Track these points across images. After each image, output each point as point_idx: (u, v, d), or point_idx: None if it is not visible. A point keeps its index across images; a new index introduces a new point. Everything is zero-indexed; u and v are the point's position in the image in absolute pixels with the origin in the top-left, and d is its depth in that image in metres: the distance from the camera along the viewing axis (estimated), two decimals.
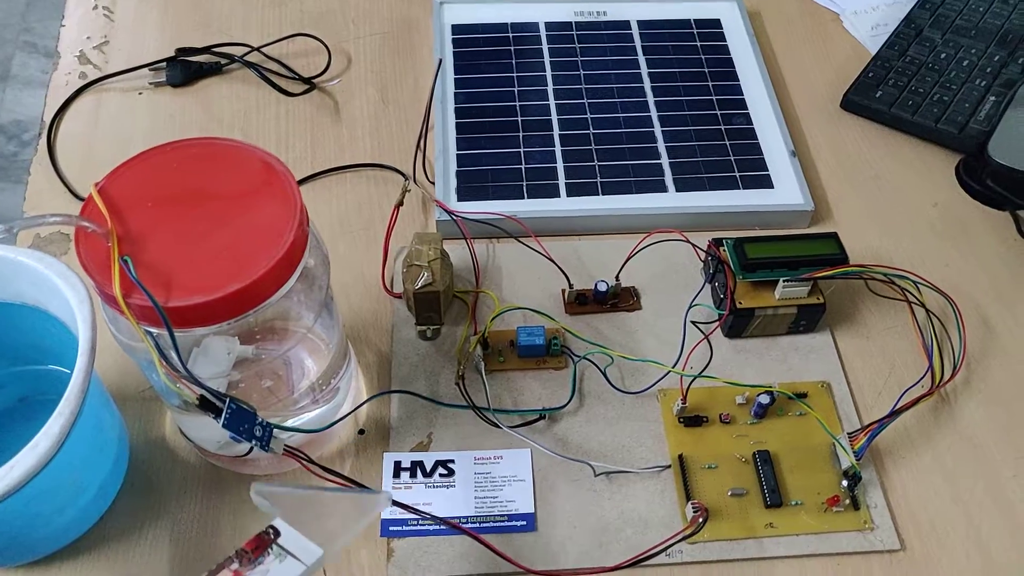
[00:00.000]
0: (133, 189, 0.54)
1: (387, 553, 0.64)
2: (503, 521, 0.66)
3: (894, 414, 0.69)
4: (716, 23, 0.99)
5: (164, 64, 0.93)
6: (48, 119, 0.89)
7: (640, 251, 0.76)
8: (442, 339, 0.75)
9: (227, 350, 0.58)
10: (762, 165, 0.86)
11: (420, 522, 0.65)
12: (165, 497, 0.66)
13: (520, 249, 0.79)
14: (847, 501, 0.67)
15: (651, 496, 0.67)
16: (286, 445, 0.58)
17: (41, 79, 1.87)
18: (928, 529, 0.67)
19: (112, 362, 0.71)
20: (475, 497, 0.67)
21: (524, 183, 0.83)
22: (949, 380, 0.74)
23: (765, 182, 0.84)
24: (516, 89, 0.91)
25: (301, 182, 0.84)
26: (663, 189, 0.83)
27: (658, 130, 0.88)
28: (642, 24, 0.98)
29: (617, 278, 0.76)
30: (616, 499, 0.67)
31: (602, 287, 0.75)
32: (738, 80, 0.93)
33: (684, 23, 0.98)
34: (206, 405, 0.52)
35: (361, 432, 0.70)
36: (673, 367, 0.71)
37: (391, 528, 0.65)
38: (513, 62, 0.93)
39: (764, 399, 0.69)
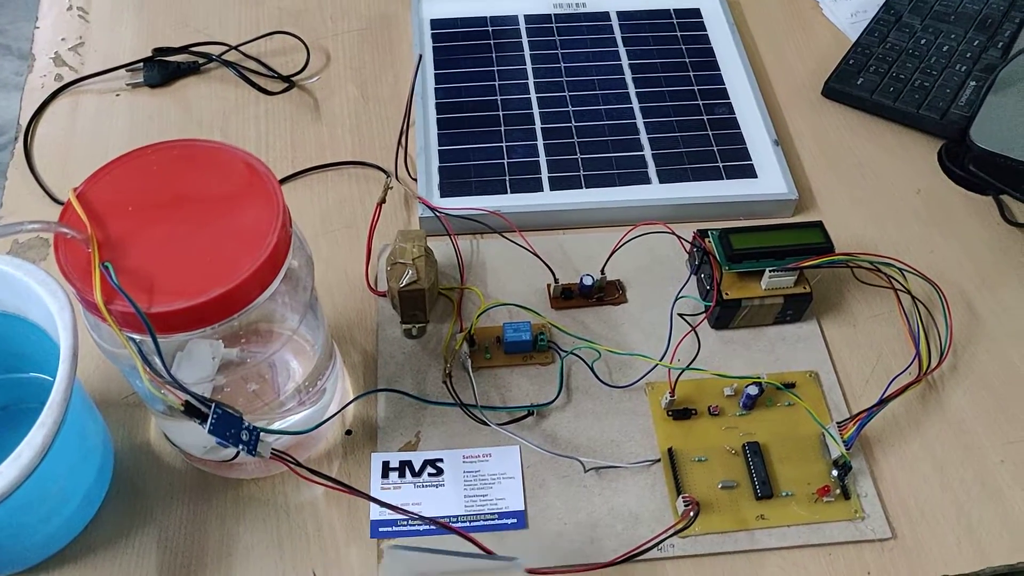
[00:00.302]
0: (113, 193, 0.53)
1: (377, 555, 0.63)
2: (493, 519, 0.65)
3: (882, 402, 0.69)
4: (696, 12, 0.98)
5: (141, 65, 0.91)
6: (24, 122, 0.87)
7: (625, 244, 0.75)
8: (428, 337, 0.74)
9: (212, 354, 0.57)
10: (745, 155, 0.85)
11: (410, 522, 0.64)
12: (151, 503, 0.65)
13: (504, 244, 0.78)
14: (837, 491, 0.66)
15: (641, 491, 0.67)
16: (273, 448, 0.57)
17: (15, 81, 1.85)
18: (918, 517, 0.67)
19: (95, 368, 0.70)
20: (465, 496, 0.66)
21: (507, 178, 0.82)
22: (936, 367, 0.74)
23: (748, 172, 0.84)
24: (497, 83, 0.90)
25: (282, 181, 0.83)
26: (646, 181, 0.83)
27: (640, 121, 0.87)
28: (621, 15, 0.97)
29: (602, 272, 0.76)
30: (606, 494, 0.67)
31: (587, 281, 0.75)
32: (719, 70, 0.93)
33: (664, 13, 0.98)
34: (191, 411, 0.51)
35: (349, 433, 0.69)
36: (660, 360, 0.71)
37: (381, 529, 0.64)
38: (493, 56, 0.93)
39: (752, 390, 0.69)
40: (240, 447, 0.53)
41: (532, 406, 0.70)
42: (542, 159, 0.84)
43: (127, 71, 0.91)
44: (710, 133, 0.87)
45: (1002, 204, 0.84)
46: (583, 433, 0.69)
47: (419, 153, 0.83)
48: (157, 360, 0.50)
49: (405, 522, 0.64)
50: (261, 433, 0.55)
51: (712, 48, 0.95)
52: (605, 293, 0.77)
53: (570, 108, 0.88)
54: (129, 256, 0.50)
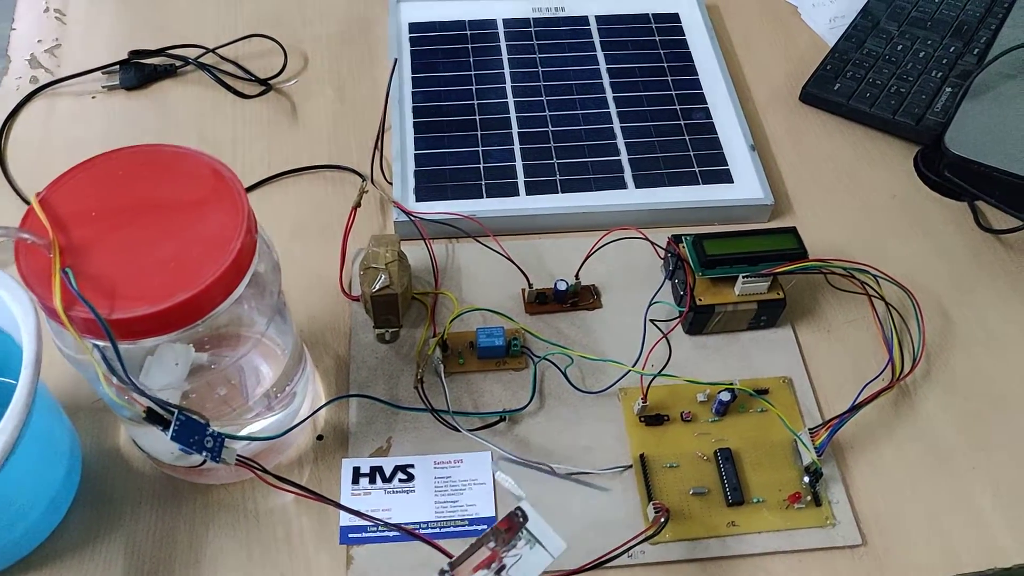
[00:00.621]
0: (77, 198, 0.53)
1: (347, 560, 0.63)
2: (464, 525, 0.65)
3: (854, 409, 0.69)
4: (675, 17, 0.98)
5: (117, 67, 0.91)
6: None
7: (600, 249, 0.75)
8: (401, 342, 0.74)
9: (182, 358, 0.57)
10: (722, 160, 0.85)
11: (379, 528, 0.64)
12: (120, 509, 0.65)
13: (479, 249, 0.78)
14: (808, 497, 0.66)
15: (613, 497, 0.67)
16: (239, 455, 0.57)
17: None
18: (889, 523, 0.67)
19: (64, 372, 0.69)
20: (435, 502, 0.66)
21: (483, 182, 0.82)
22: (909, 373, 0.74)
23: (725, 177, 0.84)
24: (474, 87, 0.90)
25: (258, 185, 0.83)
26: (622, 186, 0.83)
27: (617, 126, 0.87)
28: (600, 19, 0.97)
29: (577, 277, 0.76)
30: (578, 501, 0.66)
31: (561, 286, 0.75)
32: (697, 75, 0.93)
33: (642, 17, 0.98)
34: (154, 418, 0.51)
35: (320, 438, 0.69)
36: (633, 366, 0.70)
37: (350, 535, 0.64)
38: (471, 60, 0.92)
39: (725, 396, 0.69)
40: (204, 454, 0.53)
41: (504, 412, 0.70)
42: (518, 163, 0.84)
43: (103, 73, 0.91)
44: (687, 138, 0.87)
45: (977, 210, 0.84)
46: (555, 439, 0.69)
47: (395, 157, 0.83)
48: (119, 366, 0.49)
49: (375, 528, 0.64)
50: (226, 439, 0.55)
51: (690, 53, 0.95)
52: (580, 298, 0.77)
53: (547, 112, 0.88)
54: (92, 262, 0.50)
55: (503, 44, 0.94)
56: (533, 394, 0.71)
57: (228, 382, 0.62)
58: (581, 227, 0.81)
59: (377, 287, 0.70)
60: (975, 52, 0.94)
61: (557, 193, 0.82)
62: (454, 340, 0.73)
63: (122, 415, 0.61)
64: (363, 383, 0.71)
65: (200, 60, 0.92)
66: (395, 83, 0.88)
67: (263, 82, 0.91)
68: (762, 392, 0.71)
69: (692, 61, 0.94)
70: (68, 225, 0.51)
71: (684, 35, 0.97)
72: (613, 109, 0.89)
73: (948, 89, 0.91)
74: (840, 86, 0.92)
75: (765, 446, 0.69)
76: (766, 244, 0.73)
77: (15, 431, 0.50)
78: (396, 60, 0.88)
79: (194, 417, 0.53)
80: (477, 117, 0.87)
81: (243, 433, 0.63)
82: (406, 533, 0.57)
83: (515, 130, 0.86)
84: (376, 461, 0.68)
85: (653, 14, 0.98)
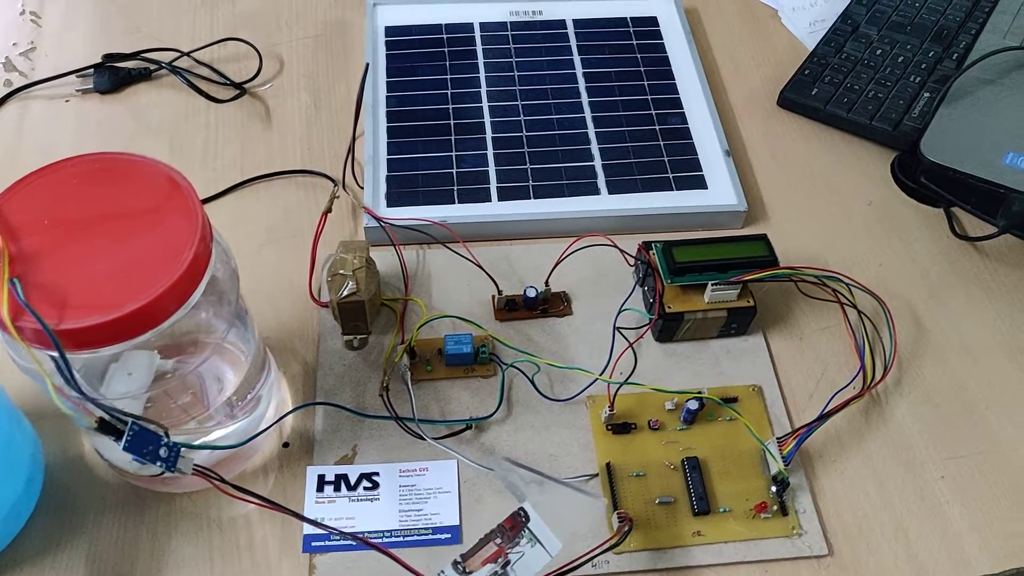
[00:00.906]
0: (29, 207, 0.52)
1: (309, 569, 0.63)
2: (427, 534, 0.65)
3: (823, 417, 0.69)
4: (653, 21, 0.98)
5: (92, 71, 0.91)
6: None
7: (571, 255, 0.75)
8: (370, 348, 0.73)
9: (145, 366, 0.56)
10: (696, 165, 0.85)
11: (343, 537, 0.64)
12: (82, 517, 0.64)
13: (450, 255, 0.78)
14: (775, 507, 0.66)
15: (579, 506, 0.66)
16: (197, 465, 0.57)
17: None
18: (856, 533, 0.66)
19: (27, 378, 0.69)
20: (399, 511, 0.66)
21: (455, 188, 0.82)
22: (879, 381, 0.73)
23: (699, 183, 0.84)
24: (449, 92, 0.89)
25: (230, 189, 0.83)
26: (595, 192, 0.82)
27: (592, 131, 0.87)
28: (578, 23, 0.97)
29: (547, 283, 0.75)
30: (543, 509, 0.66)
31: (531, 293, 0.74)
32: (674, 79, 0.92)
33: (620, 21, 0.97)
34: (106, 428, 0.51)
35: (286, 445, 0.69)
36: (601, 374, 0.70)
37: (314, 544, 0.64)
38: (447, 64, 0.92)
39: (692, 405, 0.69)
40: (159, 464, 0.53)
41: (471, 419, 0.70)
42: (491, 169, 0.83)
43: (77, 77, 0.90)
44: (662, 143, 0.86)
45: (952, 217, 0.84)
46: (522, 447, 0.69)
47: (367, 162, 0.83)
48: (68, 376, 0.49)
49: (338, 536, 0.64)
50: (183, 449, 0.54)
51: (668, 57, 0.94)
52: (550, 305, 0.76)
53: (522, 117, 0.88)
54: (43, 271, 0.50)
55: (479, 48, 0.94)
56: (501, 402, 0.71)
57: (188, 389, 0.62)
58: (553, 233, 0.81)
59: (344, 294, 0.70)
60: (954, 57, 0.94)
61: (529, 199, 0.82)
62: (422, 347, 0.73)
63: (81, 424, 0.61)
64: (330, 390, 0.71)
65: (175, 64, 0.92)
66: (369, 87, 0.88)
67: (237, 86, 0.91)
68: (731, 400, 0.71)
69: (669, 66, 0.94)
70: (20, 234, 0.51)
71: (662, 39, 0.96)
72: (588, 114, 0.88)
73: (926, 94, 0.90)
74: (818, 91, 0.91)
75: (733, 455, 0.69)
76: (736, 251, 0.73)
77: None
78: (368, 64, 0.87)
79: (149, 427, 0.52)
80: (451, 122, 0.87)
81: (206, 441, 0.63)
82: (361, 543, 0.57)
83: (489, 135, 0.86)
84: (341, 469, 0.67)
85: (631, 18, 0.98)
